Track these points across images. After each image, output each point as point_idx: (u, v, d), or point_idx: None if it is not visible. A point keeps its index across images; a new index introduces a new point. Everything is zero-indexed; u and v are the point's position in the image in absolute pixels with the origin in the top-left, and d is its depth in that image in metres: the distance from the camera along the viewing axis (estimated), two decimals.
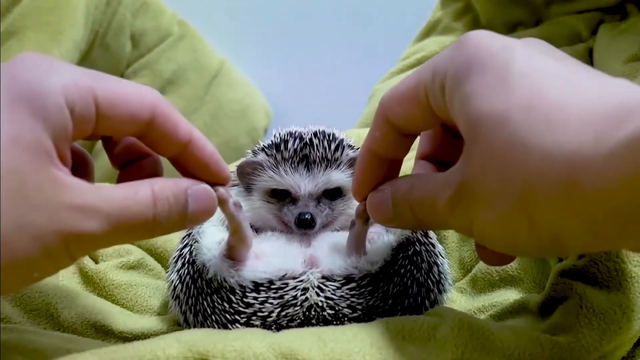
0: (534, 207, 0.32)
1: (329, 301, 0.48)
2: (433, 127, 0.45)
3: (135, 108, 0.40)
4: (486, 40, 0.37)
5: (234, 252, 0.50)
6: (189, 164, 0.44)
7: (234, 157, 0.98)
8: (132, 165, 0.46)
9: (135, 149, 0.45)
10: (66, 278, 0.62)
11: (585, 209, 0.30)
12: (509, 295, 0.59)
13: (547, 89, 0.33)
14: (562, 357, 0.43)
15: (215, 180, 0.44)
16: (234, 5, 1.12)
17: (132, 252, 0.67)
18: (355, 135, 0.73)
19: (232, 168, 0.59)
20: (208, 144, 0.44)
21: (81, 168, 0.41)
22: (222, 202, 0.45)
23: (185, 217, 0.42)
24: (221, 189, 0.44)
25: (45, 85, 0.36)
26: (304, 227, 0.53)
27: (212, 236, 0.53)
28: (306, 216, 0.53)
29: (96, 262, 0.65)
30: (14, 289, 0.38)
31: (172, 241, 0.70)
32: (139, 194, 0.40)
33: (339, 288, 0.48)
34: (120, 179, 0.45)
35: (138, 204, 0.39)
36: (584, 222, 0.31)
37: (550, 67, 0.34)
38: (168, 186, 0.41)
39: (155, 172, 0.45)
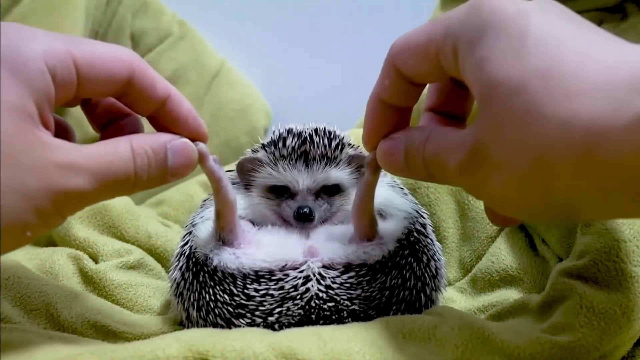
0: (549, 174, 0.32)
1: (329, 291, 0.48)
2: (442, 81, 0.45)
3: (113, 67, 0.41)
4: (501, 3, 0.36)
5: (222, 221, 0.50)
6: (168, 122, 0.45)
7: (234, 157, 0.97)
8: (112, 126, 0.47)
9: (115, 109, 0.46)
10: (66, 278, 0.62)
11: (601, 177, 0.30)
12: (509, 295, 0.59)
13: (563, 55, 0.32)
14: (562, 357, 0.43)
15: (195, 137, 0.45)
16: (234, 5, 1.12)
17: (132, 252, 0.67)
18: (355, 135, 0.73)
19: (231, 168, 0.59)
20: (185, 100, 0.45)
21: (62, 136, 0.42)
22: (202, 158, 0.46)
23: (167, 171, 0.43)
24: (201, 144, 0.46)
25: (27, 52, 0.37)
26: (303, 220, 0.53)
27: (207, 228, 0.53)
28: (305, 210, 0.53)
29: (96, 262, 0.65)
30: (9, 250, 0.39)
31: (172, 241, 0.70)
32: (119, 149, 0.41)
33: (338, 276, 0.49)
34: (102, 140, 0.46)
35: (119, 159, 0.40)
36: (599, 190, 0.31)
37: (567, 32, 0.34)
38: (146, 141, 0.42)
39: (135, 130, 0.46)
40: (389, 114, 0.45)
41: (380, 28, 1.06)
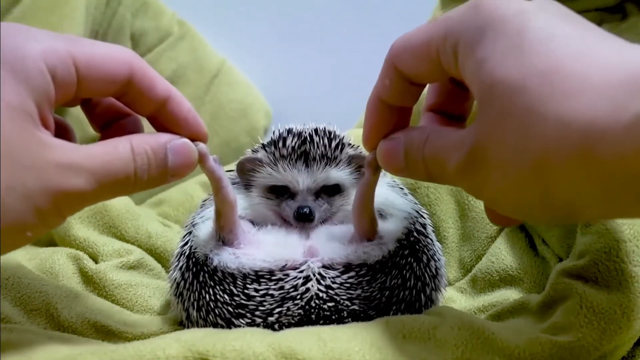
0: (549, 174, 0.32)
1: (329, 291, 0.48)
2: (442, 81, 0.45)
3: (113, 67, 0.41)
4: (501, 3, 0.36)
5: (222, 221, 0.50)
6: (168, 122, 0.45)
7: (234, 157, 0.97)
8: (112, 126, 0.47)
9: (115, 109, 0.46)
10: (66, 278, 0.62)
11: (601, 177, 0.30)
12: (509, 295, 0.59)
13: (562, 55, 0.32)
14: (562, 357, 0.43)
15: (195, 137, 0.46)
16: (234, 5, 1.12)
17: (132, 252, 0.67)
18: (355, 135, 0.73)
19: (232, 168, 0.59)
20: (185, 101, 0.45)
21: (62, 136, 0.42)
22: (202, 158, 0.46)
23: (167, 171, 0.43)
24: (201, 144, 0.46)
25: (26, 51, 0.37)
26: (303, 220, 0.53)
27: (207, 228, 0.53)
28: (305, 210, 0.53)
29: (96, 262, 0.65)
30: (9, 250, 0.39)
31: (172, 241, 0.70)
32: (119, 149, 0.41)
33: (338, 276, 0.49)
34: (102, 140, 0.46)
35: (119, 159, 0.40)
36: (598, 190, 0.31)
37: (566, 32, 0.34)
38: (146, 140, 0.42)
39: (136, 130, 0.46)
40: (389, 114, 0.45)
41: (381, 28, 1.06)
